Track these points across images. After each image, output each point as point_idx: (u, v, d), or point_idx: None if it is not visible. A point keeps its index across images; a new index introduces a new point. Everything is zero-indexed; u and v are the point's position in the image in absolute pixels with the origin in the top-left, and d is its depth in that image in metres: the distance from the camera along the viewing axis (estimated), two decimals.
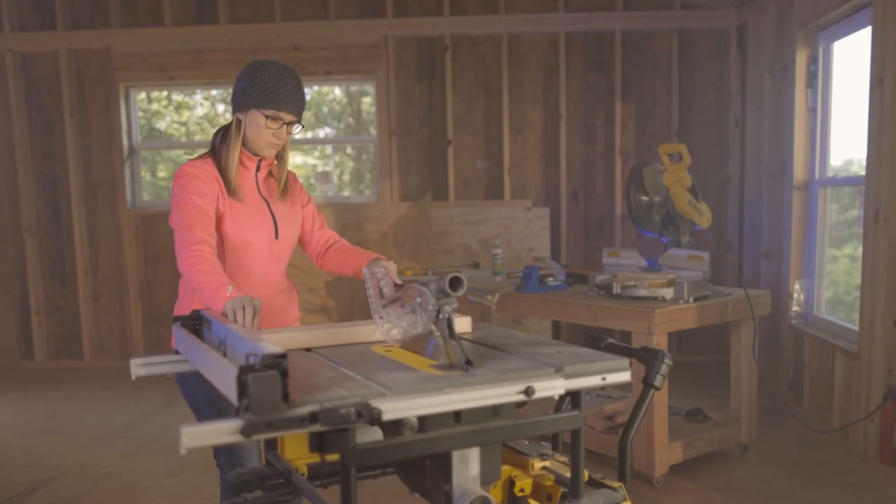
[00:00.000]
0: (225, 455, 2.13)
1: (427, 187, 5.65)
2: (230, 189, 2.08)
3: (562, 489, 1.46)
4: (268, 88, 2.03)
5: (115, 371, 5.65)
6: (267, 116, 2.06)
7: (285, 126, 2.10)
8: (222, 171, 2.09)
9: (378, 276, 1.77)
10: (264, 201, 2.17)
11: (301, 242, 2.31)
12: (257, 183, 2.17)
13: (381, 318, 1.70)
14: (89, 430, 4.32)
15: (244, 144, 2.12)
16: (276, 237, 2.17)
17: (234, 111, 2.11)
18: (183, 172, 2.05)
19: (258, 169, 2.16)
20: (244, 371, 1.09)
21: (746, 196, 5.31)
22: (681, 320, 3.19)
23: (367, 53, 5.58)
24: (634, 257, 3.89)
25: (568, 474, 1.45)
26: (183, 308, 2.05)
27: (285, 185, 2.23)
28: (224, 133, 2.14)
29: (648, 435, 3.21)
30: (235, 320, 1.73)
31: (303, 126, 2.16)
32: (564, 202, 5.60)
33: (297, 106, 2.09)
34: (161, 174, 6.34)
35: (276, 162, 2.21)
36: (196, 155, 2.19)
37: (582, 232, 5.65)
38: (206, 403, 2.06)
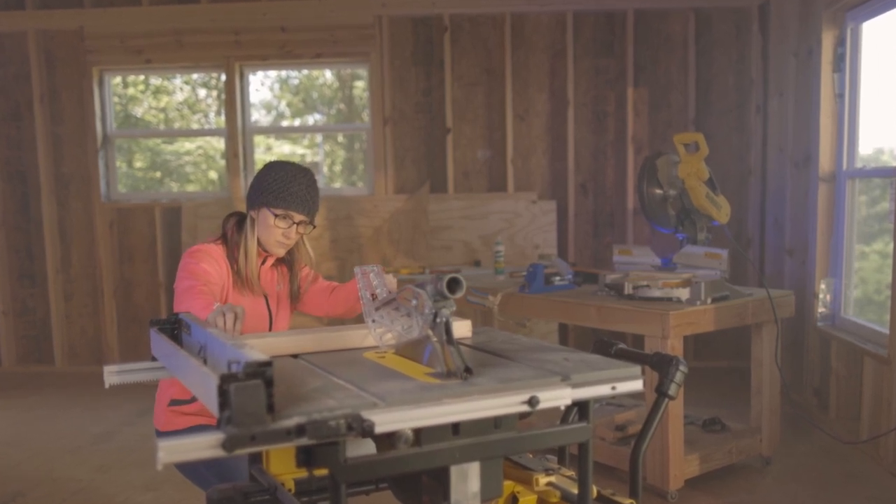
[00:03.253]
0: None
1: (424, 179, 5.65)
2: (237, 279, 2.25)
3: None
4: (279, 188, 2.20)
5: (88, 377, 5.65)
6: (276, 215, 2.22)
7: (295, 226, 2.25)
8: (232, 260, 2.26)
9: (371, 275, 1.77)
10: (263, 297, 2.32)
11: (307, 306, 2.45)
12: (258, 277, 2.32)
13: (373, 321, 1.70)
14: (60, 440, 4.32)
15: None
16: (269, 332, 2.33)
17: (248, 209, 2.30)
18: (197, 249, 2.23)
19: (262, 263, 2.32)
20: (226, 380, 1.09)
21: (768, 189, 5.30)
22: (697, 323, 3.19)
23: (359, 35, 5.57)
24: (647, 255, 3.89)
25: (575, 490, 1.45)
26: None
27: (298, 290, 2.41)
28: (237, 225, 2.30)
29: (662, 447, 3.21)
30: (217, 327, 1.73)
31: (314, 226, 2.32)
32: (572, 195, 5.60)
33: (307, 206, 2.26)
34: (138, 164, 6.33)
35: (285, 263, 2.38)
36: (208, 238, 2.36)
37: (591, 227, 5.65)
38: (205, 466, 2.08)
